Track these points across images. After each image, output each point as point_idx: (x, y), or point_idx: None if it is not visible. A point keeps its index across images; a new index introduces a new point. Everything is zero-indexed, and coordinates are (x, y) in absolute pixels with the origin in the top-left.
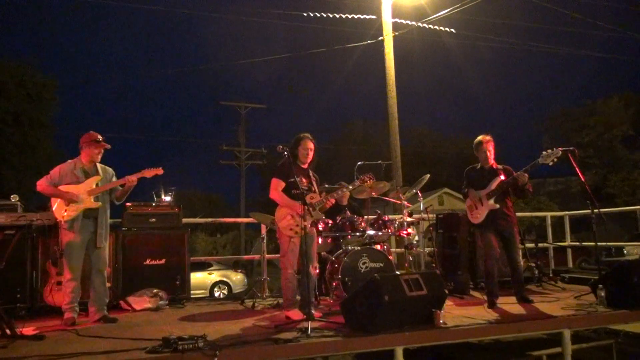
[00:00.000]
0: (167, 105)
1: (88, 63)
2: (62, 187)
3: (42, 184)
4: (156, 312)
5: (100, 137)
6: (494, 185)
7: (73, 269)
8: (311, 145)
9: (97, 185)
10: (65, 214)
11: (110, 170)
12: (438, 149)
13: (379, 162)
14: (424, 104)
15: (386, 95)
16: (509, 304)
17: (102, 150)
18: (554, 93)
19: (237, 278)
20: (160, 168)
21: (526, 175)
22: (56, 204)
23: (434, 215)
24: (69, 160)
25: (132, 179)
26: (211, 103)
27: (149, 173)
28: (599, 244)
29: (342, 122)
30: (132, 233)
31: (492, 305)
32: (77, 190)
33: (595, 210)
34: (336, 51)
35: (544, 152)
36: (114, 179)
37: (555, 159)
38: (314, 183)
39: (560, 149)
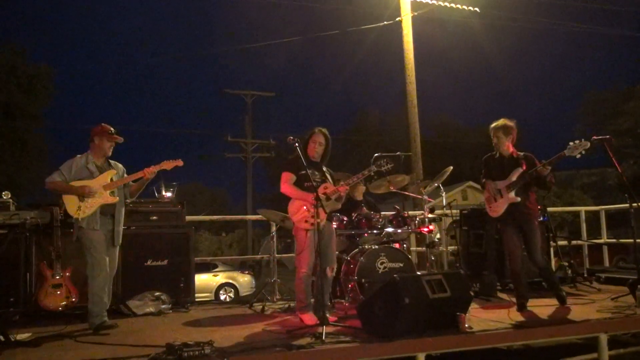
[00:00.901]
0: (168, 93)
1: (83, 48)
2: (74, 183)
3: (53, 181)
4: (159, 317)
5: (112, 129)
6: (514, 176)
7: (102, 267)
8: (321, 139)
9: (112, 179)
10: (80, 211)
11: (120, 166)
12: (461, 139)
13: (397, 153)
14: (446, 91)
15: (405, 81)
16: (540, 307)
17: (114, 144)
18: (588, 77)
19: (244, 280)
20: (180, 159)
21: (548, 168)
22: (68, 202)
23: (458, 210)
24: (78, 155)
25: (151, 171)
26: (216, 91)
27: (168, 165)
28: (638, 240)
29: (357, 110)
30: (132, 232)
31: (521, 308)
32: (92, 185)
33: (634, 204)
34: (350, 33)
35: (571, 144)
36: (125, 175)
37: (584, 151)
38: (328, 177)
39: (595, 137)
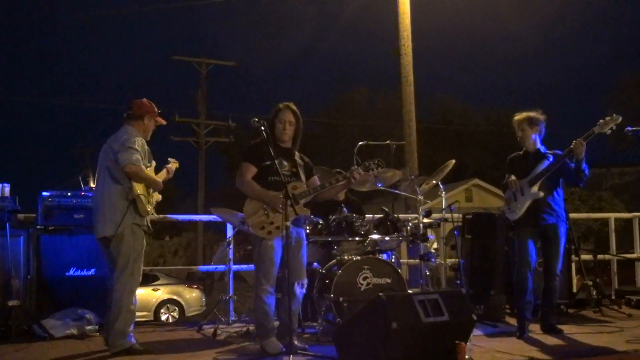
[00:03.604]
0: (98, 59)
1: None
2: None
3: (139, 163)
4: (82, 341)
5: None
6: (539, 168)
7: (139, 282)
8: (290, 117)
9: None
10: (150, 208)
11: None
12: (467, 126)
13: (387, 142)
14: (449, 65)
15: (398, 52)
16: (555, 334)
17: None
18: (622, 53)
19: (191, 296)
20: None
21: (584, 144)
22: (142, 194)
23: (460, 215)
24: (134, 130)
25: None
26: (162, 58)
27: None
28: None
29: (341, 88)
30: (51, 233)
31: (522, 332)
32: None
33: None
34: None
35: (601, 120)
36: None
37: (614, 127)
38: (300, 169)
39: (630, 128)
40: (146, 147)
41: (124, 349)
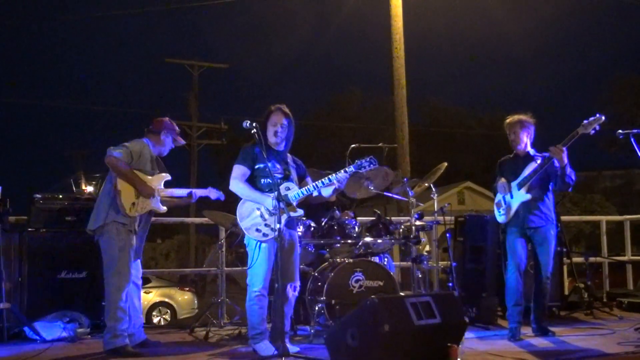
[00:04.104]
0: (92, 61)
1: None
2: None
3: (120, 158)
4: (73, 344)
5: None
6: (527, 171)
7: (129, 278)
8: (282, 119)
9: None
10: (134, 209)
11: None
12: (459, 129)
13: (380, 144)
14: (442, 68)
15: (391, 55)
16: (546, 337)
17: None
18: (616, 56)
19: (184, 299)
20: (222, 194)
21: (563, 149)
22: (125, 192)
23: (452, 217)
24: (144, 140)
25: (199, 195)
26: (155, 60)
27: (213, 194)
28: None
29: (333, 90)
30: (42, 235)
31: (513, 334)
32: (153, 186)
33: None
34: None
35: (585, 121)
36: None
37: (598, 127)
38: (293, 171)
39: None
40: (151, 155)
41: (115, 348)
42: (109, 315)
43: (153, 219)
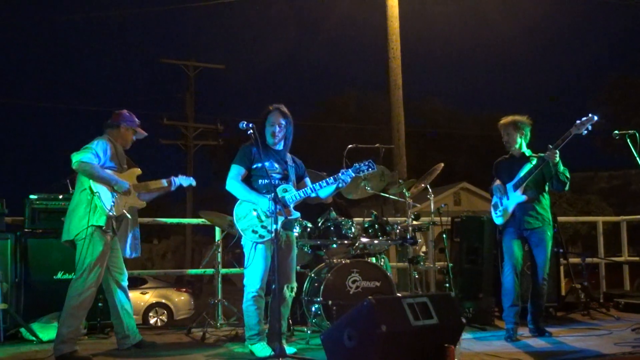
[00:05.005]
0: (87, 61)
1: None
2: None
3: (89, 162)
4: None
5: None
6: (522, 171)
7: (98, 282)
8: (280, 119)
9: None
10: (115, 207)
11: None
12: (456, 130)
13: (377, 145)
14: (438, 70)
15: (387, 56)
16: (543, 337)
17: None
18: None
19: (180, 299)
20: (192, 179)
21: (555, 152)
22: (103, 192)
23: (449, 218)
24: (107, 138)
25: (177, 182)
26: (150, 60)
27: (184, 181)
28: None
29: (330, 91)
30: (38, 236)
31: (510, 335)
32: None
33: None
34: None
35: (578, 121)
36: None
37: (590, 127)
38: (292, 171)
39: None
40: (117, 150)
41: (62, 354)
42: (64, 322)
43: (149, 219)
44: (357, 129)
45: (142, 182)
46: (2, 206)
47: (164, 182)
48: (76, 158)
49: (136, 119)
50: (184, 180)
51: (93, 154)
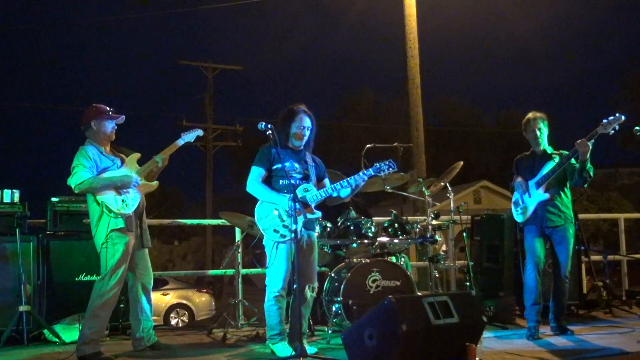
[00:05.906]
0: (107, 64)
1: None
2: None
3: (84, 180)
4: None
5: (109, 108)
6: (545, 170)
7: (122, 281)
8: (308, 122)
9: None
10: (126, 205)
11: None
12: (475, 128)
13: (395, 144)
14: (457, 68)
15: (405, 55)
16: (565, 335)
17: (116, 126)
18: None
19: (201, 300)
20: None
21: (587, 144)
22: (108, 199)
23: (469, 216)
24: (87, 146)
25: (168, 154)
26: (169, 62)
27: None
28: None
29: (347, 90)
30: (60, 238)
31: (532, 333)
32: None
33: None
34: None
35: (604, 120)
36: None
37: (617, 127)
38: (313, 170)
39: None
40: (102, 149)
41: (84, 356)
42: (85, 322)
43: (169, 221)
44: (375, 128)
45: (150, 159)
46: (25, 209)
47: (179, 142)
48: (73, 183)
49: (104, 107)
50: (189, 137)
51: (83, 169)
